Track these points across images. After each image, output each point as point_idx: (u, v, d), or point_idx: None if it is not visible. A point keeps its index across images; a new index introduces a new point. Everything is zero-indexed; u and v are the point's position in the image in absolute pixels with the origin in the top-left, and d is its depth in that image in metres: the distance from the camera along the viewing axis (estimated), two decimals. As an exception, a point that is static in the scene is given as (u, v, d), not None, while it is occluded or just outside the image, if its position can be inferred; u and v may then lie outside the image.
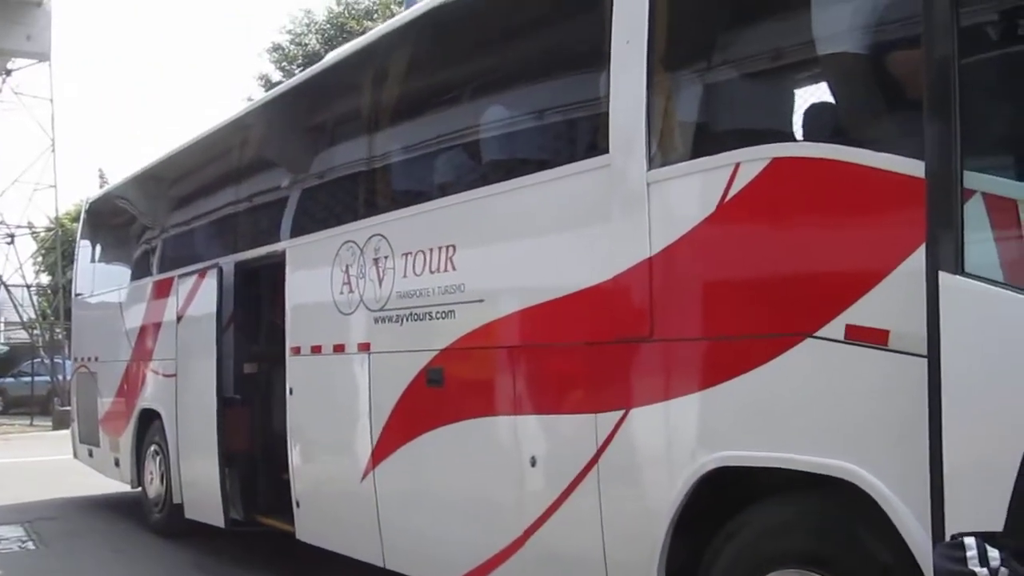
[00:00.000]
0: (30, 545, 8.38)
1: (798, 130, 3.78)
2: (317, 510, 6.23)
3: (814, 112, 3.68)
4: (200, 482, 7.68)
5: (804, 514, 3.35)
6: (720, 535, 3.53)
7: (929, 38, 2.79)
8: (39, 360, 26.96)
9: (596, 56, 4.08)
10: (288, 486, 6.44)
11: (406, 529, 5.29)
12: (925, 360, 2.76)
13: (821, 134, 3.51)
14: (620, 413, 3.87)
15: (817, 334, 3.17)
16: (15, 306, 27.54)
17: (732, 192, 3.47)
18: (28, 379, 26.84)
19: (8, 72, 22.15)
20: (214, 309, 7.35)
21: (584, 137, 4.44)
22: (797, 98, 4.01)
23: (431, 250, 4.97)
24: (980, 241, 2.75)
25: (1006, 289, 2.66)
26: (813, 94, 3.89)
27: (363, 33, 18.14)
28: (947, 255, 2.72)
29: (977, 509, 2.67)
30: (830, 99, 3.67)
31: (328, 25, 25.04)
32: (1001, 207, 2.78)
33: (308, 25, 25.58)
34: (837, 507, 3.20)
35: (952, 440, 2.69)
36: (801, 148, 3.42)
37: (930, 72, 2.79)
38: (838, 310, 3.11)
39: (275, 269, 6.73)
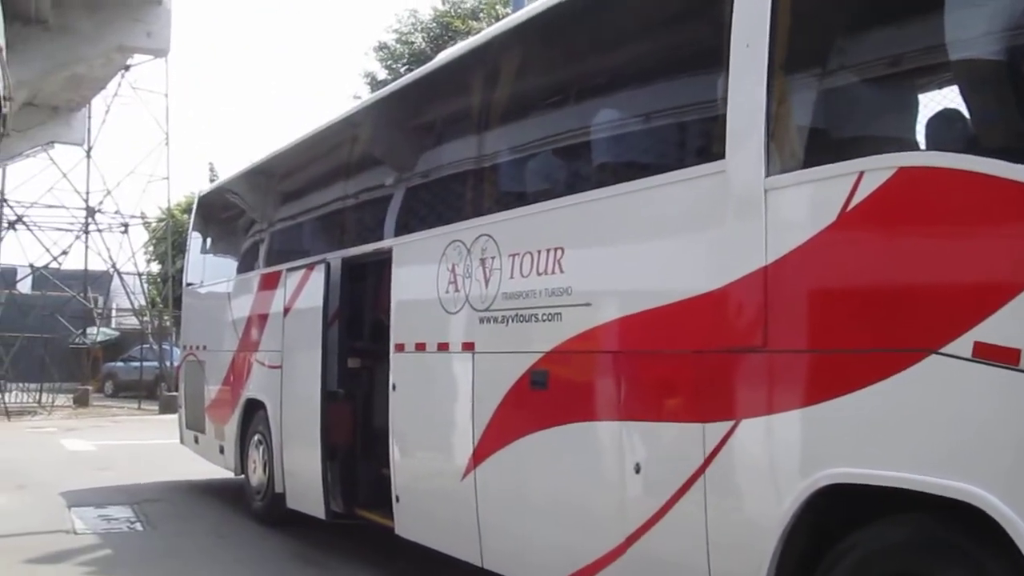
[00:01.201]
0: (138, 526, 8.66)
1: (924, 138, 3.66)
2: (417, 506, 6.28)
3: (942, 120, 3.55)
4: (302, 473, 7.83)
5: (921, 536, 3.23)
6: (832, 553, 3.44)
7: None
8: (148, 346, 27.87)
9: (714, 59, 4.01)
10: (388, 481, 6.50)
11: (505, 530, 5.29)
12: (1061, 382, 2.64)
13: (949, 143, 3.37)
14: (730, 424, 3.80)
15: (942, 351, 3.06)
16: (127, 293, 28.52)
17: (855, 201, 3.37)
18: (137, 364, 27.81)
19: (127, 68, 22.94)
20: (320, 303, 7.48)
21: (700, 141, 4.37)
22: (923, 105, 3.89)
23: (539, 252, 4.96)
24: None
25: None
26: (939, 100, 3.77)
27: (469, 32, 18.30)
28: (1087, 272, 2.59)
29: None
30: (957, 106, 3.54)
31: (434, 24, 25.29)
32: None
33: (414, 24, 25.88)
34: (956, 531, 3.08)
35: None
36: (929, 157, 3.30)
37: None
38: (966, 327, 2.99)
39: (381, 266, 6.80)
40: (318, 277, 7.60)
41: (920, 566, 3.19)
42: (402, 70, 22.59)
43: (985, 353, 2.95)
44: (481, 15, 23.92)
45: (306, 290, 7.89)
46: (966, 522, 2.97)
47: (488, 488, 5.37)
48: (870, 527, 3.33)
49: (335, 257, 7.54)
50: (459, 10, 25.06)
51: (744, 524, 3.78)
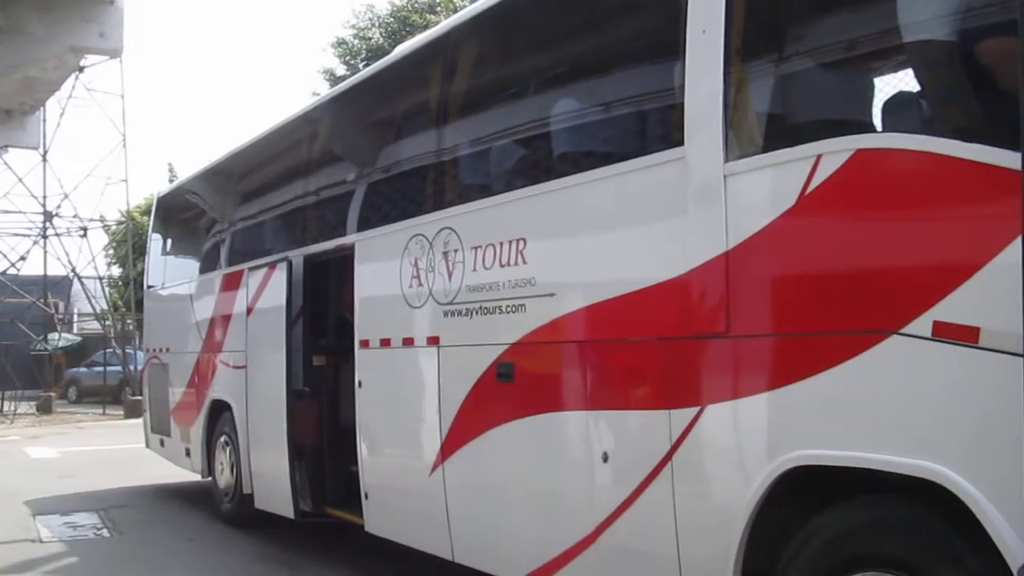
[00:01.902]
0: (105, 532, 8.56)
1: (881, 121, 3.68)
2: (386, 503, 6.25)
3: (898, 102, 3.57)
4: (270, 473, 7.77)
5: (886, 516, 3.25)
6: (799, 535, 3.45)
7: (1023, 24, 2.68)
8: (111, 351, 27.55)
9: (670, 46, 4.01)
10: (357, 479, 6.47)
11: (476, 523, 5.28)
12: (1020, 359, 2.67)
13: (906, 125, 3.39)
14: (695, 410, 3.81)
15: (903, 331, 3.08)
16: (88, 297, 28.15)
17: (813, 185, 3.38)
18: (100, 369, 27.47)
19: (81, 69, 22.62)
20: (284, 302, 7.43)
21: (658, 129, 4.37)
22: (879, 88, 3.91)
23: (501, 243, 4.94)
24: (1081, 235, 2.64)
25: (1108, 285, 2.55)
26: (896, 83, 3.79)
27: (427, 27, 18.19)
28: (1045, 249, 2.61)
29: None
30: (913, 88, 3.56)
31: (391, 19, 25.17)
32: (1101, 199, 2.66)
33: (371, 19, 25.76)
34: (920, 510, 3.10)
35: (1049, 442, 2.59)
36: (887, 139, 3.32)
37: (1025, 59, 2.68)
38: (925, 307, 3.02)
39: (344, 262, 6.76)
40: (280, 275, 7.54)
41: (886, 547, 3.20)
42: (360, 66, 22.46)
43: (945, 332, 2.97)
44: (439, 8, 23.84)
45: (269, 289, 7.82)
46: (931, 501, 2.99)
47: (457, 482, 5.35)
48: (834, 509, 3.35)
49: (297, 255, 7.48)
50: (416, 4, 24.96)
51: (711, 509, 3.79)
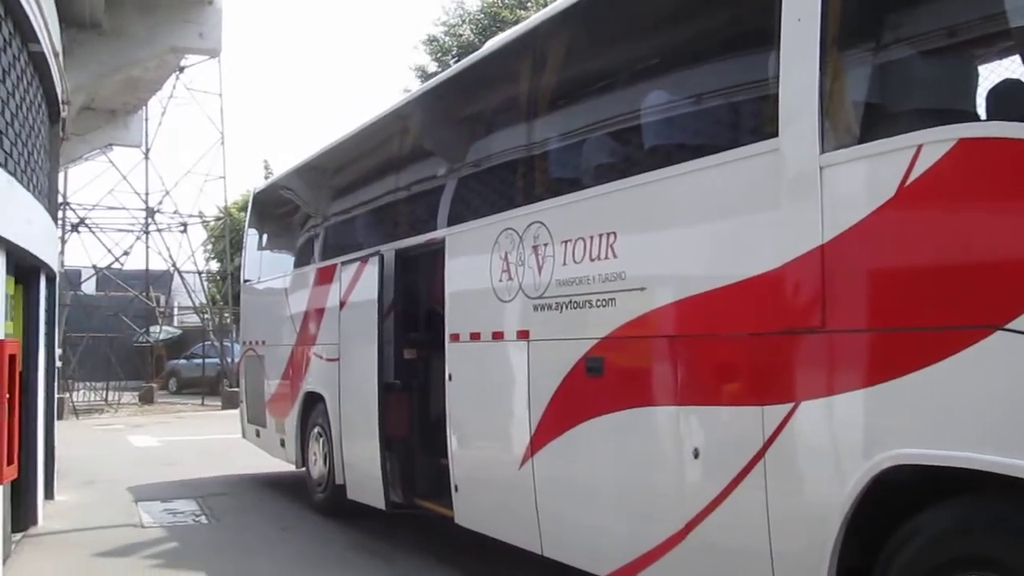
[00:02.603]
0: (203, 519, 8.80)
1: (984, 109, 3.56)
2: (475, 495, 6.29)
3: (1004, 89, 3.45)
4: (361, 464, 7.89)
5: (988, 517, 3.15)
6: (898, 535, 3.37)
7: None
8: (209, 343, 28.29)
9: (765, 36, 3.94)
10: (447, 471, 6.52)
11: (565, 518, 5.27)
12: None
13: (1012, 113, 3.27)
14: (789, 406, 3.74)
15: (1008, 327, 2.97)
16: (187, 292, 28.94)
17: (913, 176, 3.29)
18: (199, 361, 28.27)
19: (181, 69, 23.24)
20: (375, 295, 7.52)
21: (752, 120, 4.30)
22: (983, 75, 3.78)
23: (591, 237, 4.92)
24: None
25: None
26: (1001, 71, 3.66)
27: (516, 22, 18.21)
28: None
29: None
30: (1020, 75, 3.43)
31: (482, 15, 25.26)
32: None
33: (462, 16, 25.89)
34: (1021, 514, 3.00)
35: None
36: (992, 128, 3.20)
37: None
38: (1031, 301, 2.91)
39: (435, 256, 6.81)
40: (372, 269, 7.64)
41: (987, 548, 3.11)
42: (451, 62, 22.59)
43: (1052, 328, 2.86)
44: (529, 4, 23.83)
45: (361, 283, 7.93)
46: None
47: (546, 476, 5.35)
48: (934, 509, 3.26)
49: (389, 249, 7.57)
50: (507, 0, 24.99)
51: (806, 506, 3.72)
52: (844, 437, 3.60)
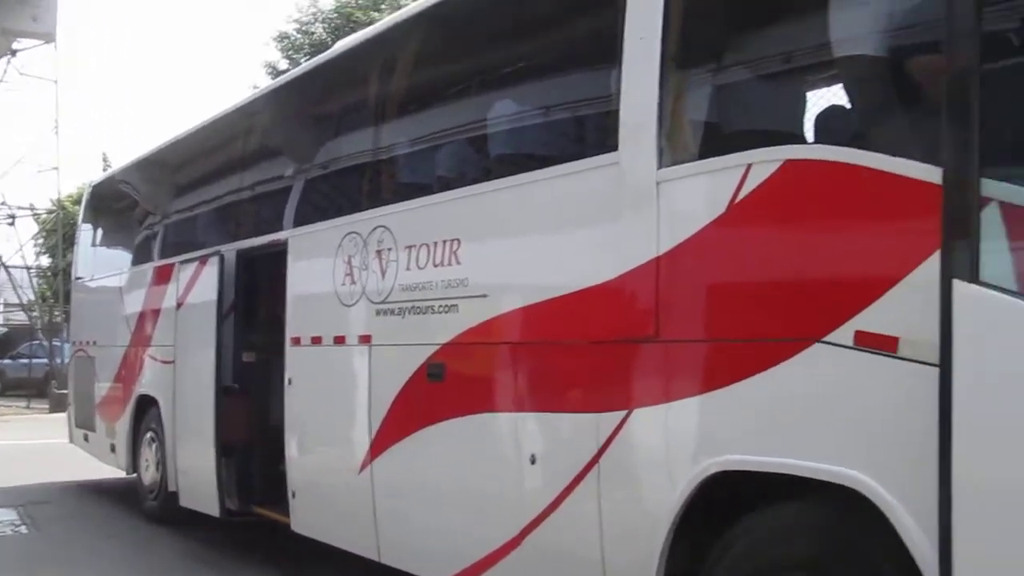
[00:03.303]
0: (23, 529, 8.36)
1: (811, 132, 3.75)
2: (313, 502, 6.20)
3: (828, 115, 3.64)
4: (196, 470, 7.65)
5: (808, 521, 3.30)
6: (722, 540, 3.49)
7: (951, 43, 2.74)
8: (37, 343, 26.94)
9: (608, 51, 4.03)
10: (284, 477, 6.41)
11: (403, 524, 5.25)
12: (935, 368, 2.73)
13: (835, 137, 3.46)
14: (623, 413, 3.83)
15: (826, 339, 3.12)
16: (14, 288, 27.49)
17: (743, 193, 3.42)
18: (26, 361, 26.83)
19: (13, 53, 22.09)
20: (215, 297, 7.32)
21: (594, 133, 4.40)
22: (811, 100, 3.98)
23: (435, 243, 4.93)
24: (995, 250, 2.71)
25: (1021, 299, 2.62)
26: (827, 96, 3.86)
27: (371, 23, 18.07)
28: (962, 263, 2.68)
29: (985, 522, 2.64)
30: (844, 102, 3.63)
31: (335, 15, 24.97)
32: (1018, 216, 2.73)
33: (315, 14, 25.52)
34: (841, 516, 3.15)
35: (962, 451, 2.65)
36: (815, 151, 3.37)
37: (950, 77, 2.75)
38: (848, 315, 3.06)
39: (277, 258, 6.68)
40: (212, 270, 7.43)
41: (806, 551, 3.25)
42: (302, 61, 22.23)
43: (866, 341, 3.02)
44: (383, 6, 23.70)
45: (199, 283, 7.70)
46: (852, 507, 3.03)
47: (385, 482, 5.32)
48: (755, 514, 3.39)
49: (230, 249, 7.38)
50: (361, 1, 24.78)
51: (637, 513, 3.81)
52: (674, 444, 3.70)
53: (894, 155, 3.00)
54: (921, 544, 2.80)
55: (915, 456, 2.80)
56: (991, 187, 2.70)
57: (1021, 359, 2.61)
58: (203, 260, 7.67)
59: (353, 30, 18.78)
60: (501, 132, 4.96)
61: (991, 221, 2.71)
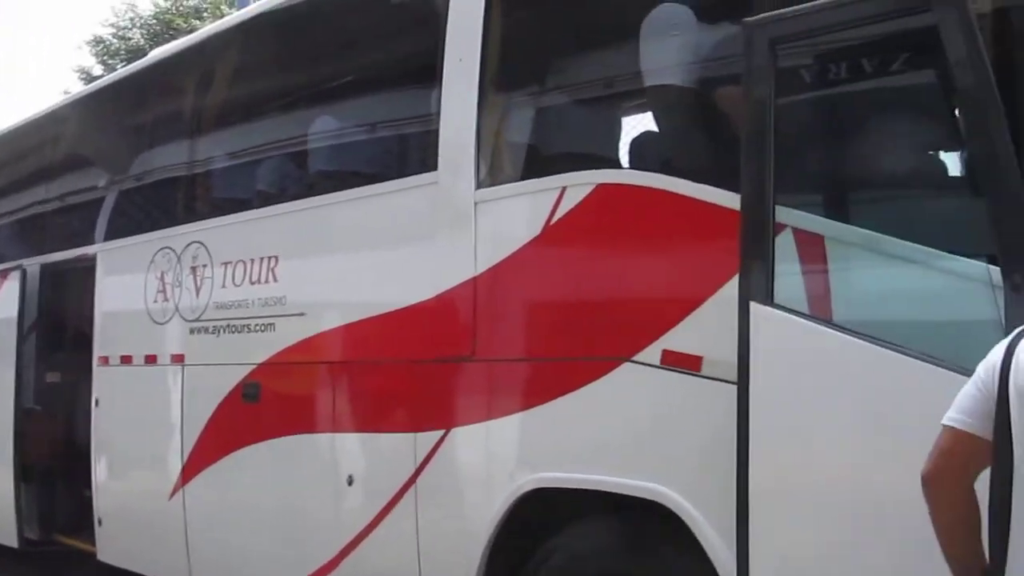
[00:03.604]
0: None
1: (624, 157, 3.87)
2: (121, 529, 5.93)
3: (640, 141, 3.78)
4: (-8, 498, 7.18)
5: (619, 535, 3.39)
6: (536, 556, 3.54)
7: (748, 77, 2.89)
8: None
9: (429, 72, 4.06)
10: (91, 503, 6.11)
11: (216, 549, 5.09)
12: (734, 386, 2.85)
13: (645, 163, 3.59)
14: (440, 433, 3.84)
15: (635, 358, 3.23)
16: None
17: (558, 215, 3.50)
18: None
19: None
20: (15, 313, 6.90)
21: (413, 153, 4.41)
22: (625, 126, 4.12)
23: (252, 260, 4.82)
24: (789, 273, 2.87)
25: (811, 321, 2.78)
26: (641, 123, 4.00)
27: (191, 31, 17.56)
28: (758, 286, 2.82)
29: (779, 533, 2.78)
30: (656, 128, 3.77)
31: (154, 21, 24.11)
32: (810, 242, 2.90)
33: (132, 19, 24.55)
34: (651, 528, 3.25)
35: (758, 465, 2.78)
36: (625, 175, 3.48)
37: (748, 109, 2.89)
38: (656, 335, 3.18)
39: (85, 273, 6.38)
40: (13, 285, 7.01)
41: (617, 564, 3.34)
42: (119, 66, 21.35)
43: (672, 360, 3.14)
44: (205, 14, 23.06)
45: (-1, 299, 7.26)
46: (663, 520, 3.13)
47: (197, 506, 5.15)
48: (567, 530, 3.46)
49: (33, 263, 6.99)
50: (182, 7, 24.04)
51: (454, 534, 3.82)
52: (491, 462, 3.74)
53: (698, 181, 3.14)
54: (722, 554, 2.92)
55: (717, 471, 2.92)
56: (785, 214, 2.86)
57: (811, 377, 2.78)
58: (3, 274, 7.23)
59: (173, 37, 18.20)
60: (321, 148, 4.91)
61: (785, 246, 2.87)
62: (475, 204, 3.77)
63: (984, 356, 2.02)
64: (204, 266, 5.16)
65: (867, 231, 2.82)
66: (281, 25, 5.26)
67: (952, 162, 3.03)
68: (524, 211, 3.67)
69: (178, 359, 5.34)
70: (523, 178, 3.76)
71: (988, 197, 2.49)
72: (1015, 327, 2.29)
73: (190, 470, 5.16)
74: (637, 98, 3.98)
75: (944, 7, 2.50)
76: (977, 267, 2.56)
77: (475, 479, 3.80)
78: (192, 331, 5.22)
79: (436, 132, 3.97)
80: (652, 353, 3.18)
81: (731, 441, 2.83)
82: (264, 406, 4.74)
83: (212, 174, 5.62)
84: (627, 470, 3.24)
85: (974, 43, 2.46)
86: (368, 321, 4.23)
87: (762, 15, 2.91)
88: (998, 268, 2.46)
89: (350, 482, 4.26)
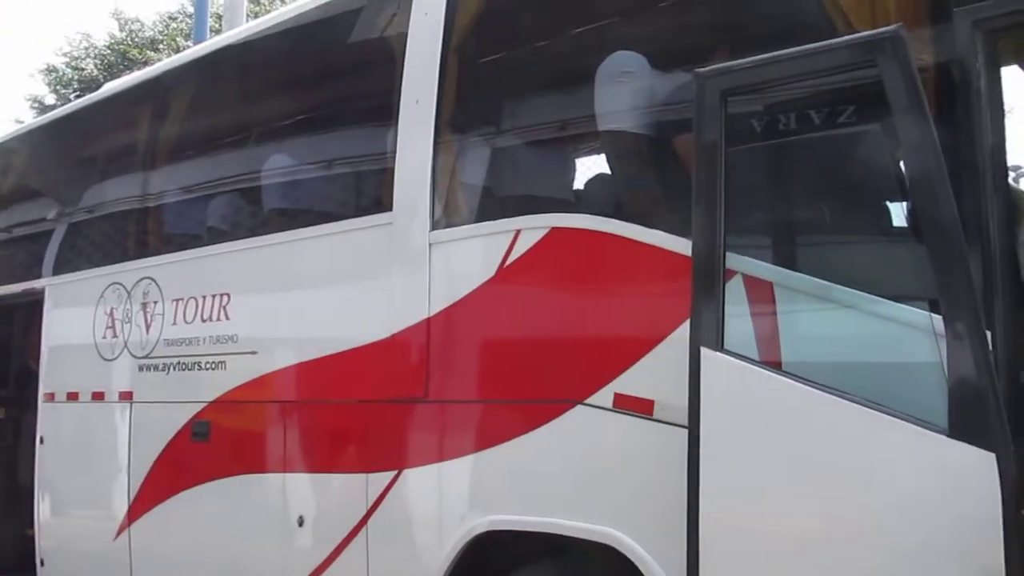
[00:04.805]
0: None
1: (579, 201, 3.91)
2: (65, 569, 5.80)
3: (594, 185, 3.82)
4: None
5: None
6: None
7: (699, 126, 2.95)
8: None
9: (385, 113, 4.08)
10: (33, 543, 5.97)
11: (162, 591, 5.00)
12: (686, 431, 2.88)
13: (599, 207, 3.62)
14: (392, 474, 3.82)
15: (587, 401, 3.25)
16: None
17: (512, 258, 3.52)
18: None
19: None
20: (-41, 347, 6.78)
21: (369, 193, 4.42)
22: (579, 170, 4.17)
23: (204, 297, 4.79)
24: (739, 319, 2.91)
25: (760, 367, 2.82)
26: (595, 167, 4.05)
27: (146, 63, 17.49)
28: (709, 331, 2.86)
29: (729, 571, 2.80)
30: (610, 173, 3.82)
31: (109, 51, 23.92)
32: (759, 288, 2.95)
33: (87, 49, 24.34)
34: (603, 571, 3.25)
35: (708, 508, 2.81)
36: (579, 220, 3.50)
37: (699, 157, 2.94)
38: (608, 379, 3.20)
39: (32, 308, 6.28)
40: (-42, 318, 6.88)
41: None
42: (72, 97, 21.15)
43: (624, 404, 3.17)
44: (161, 46, 22.94)
45: (-59, 332, 7.11)
46: (616, 563, 3.13)
47: (144, 546, 5.05)
48: (519, 573, 3.46)
49: (-23, 297, 6.86)
50: (137, 39, 23.89)
51: (405, 574, 3.80)
52: (442, 504, 3.73)
53: (650, 227, 3.18)
54: (673, 597, 2.93)
55: (668, 514, 2.94)
56: (736, 260, 2.91)
57: (761, 422, 2.81)
58: (-52, 307, 7.09)
59: (128, 69, 18.10)
60: (276, 186, 4.89)
61: (735, 292, 2.92)
62: (429, 245, 3.78)
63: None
64: (155, 302, 5.11)
65: (815, 279, 2.88)
66: (238, 61, 5.26)
67: (897, 212, 3.10)
68: (478, 253, 3.69)
69: (126, 396, 5.27)
70: (478, 220, 3.78)
71: (929, 247, 2.56)
72: (956, 374, 2.38)
73: (137, 510, 5.07)
74: (592, 142, 4.04)
75: (888, 61, 2.59)
76: (920, 315, 2.62)
77: (427, 521, 3.78)
78: (141, 368, 5.15)
79: (392, 173, 3.98)
80: (604, 396, 3.20)
81: (682, 484, 2.85)
82: (214, 445, 4.68)
83: (165, 209, 5.57)
84: (579, 513, 3.24)
85: (916, 96, 2.55)
86: (321, 360, 4.20)
87: (713, 66, 2.98)
88: (940, 316, 2.52)
89: (300, 523, 4.21)
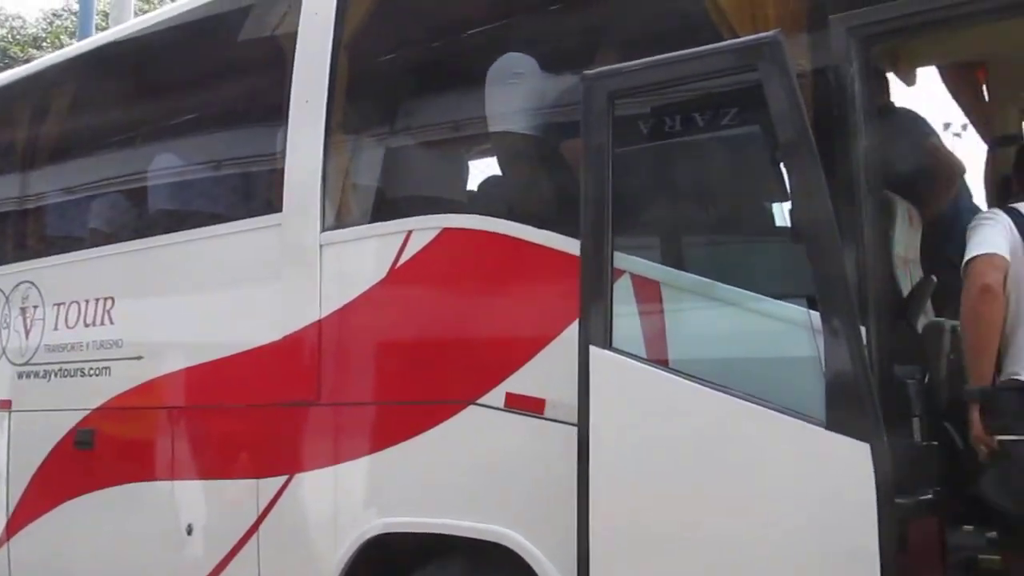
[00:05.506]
0: None
1: (471, 202, 3.92)
2: (-62, 588, 5.55)
3: (486, 186, 3.85)
4: None
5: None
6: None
7: (587, 128, 2.99)
8: None
9: (275, 112, 4.02)
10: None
11: (44, 607, 4.83)
12: (574, 428, 2.91)
13: (490, 208, 3.63)
14: (284, 478, 3.77)
15: (479, 401, 3.26)
16: None
17: (403, 259, 3.51)
18: None
19: None
20: None
21: (258, 193, 4.35)
22: (472, 170, 4.18)
23: (87, 301, 4.64)
24: (627, 318, 2.95)
25: (648, 364, 2.87)
26: (488, 168, 4.07)
27: (28, 61, 16.87)
28: (597, 330, 2.89)
29: (619, 573, 2.84)
30: (501, 174, 3.84)
31: (-11, 48, 23.05)
32: (646, 287, 3.00)
33: (-35, 45, 23.42)
34: (498, 570, 3.26)
35: (598, 506, 2.84)
36: (469, 220, 3.50)
37: (587, 158, 2.98)
38: (500, 378, 3.22)
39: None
40: None
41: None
42: (-52, 95, 20.26)
43: (516, 403, 3.19)
44: (44, 44, 22.19)
45: None
46: (512, 561, 3.14)
47: (24, 561, 4.87)
48: (414, 575, 3.44)
49: None
50: (19, 36, 23.06)
51: (298, 577, 3.76)
52: (335, 507, 3.68)
53: (540, 227, 3.21)
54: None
55: (560, 512, 2.97)
56: (623, 260, 2.96)
57: (649, 419, 2.87)
58: None
59: (9, 66, 17.42)
60: (162, 186, 4.78)
61: (623, 291, 2.97)
62: (320, 247, 3.74)
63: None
64: (35, 307, 4.94)
65: (700, 277, 2.95)
66: (123, 58, 5.12)
67: (778, 212, 3.20)
68: (369, 254, 3.66)
69: (4, 404, 5.08)
70: (369, 221, 3.76)
71: (807, 246, 2.64)
72: (833, 369, 2.48)
73: (16, 523, 4.89)
74: (483, 143, 4.06)
75: (767, 66, 2.67)
76: (798, 312, 2.70)
77: (319, 525, 3.73)
78: (20, 375, 4.97)
79: (282, 173, 3.93)
80: (496, 396, 3.22)
81: (573, 482, 2.88)
82: (99, 453, 4.54)
83: (46, 211, 5.40)
84: (472, 513, 3.25)
85: (794, 99, 2.64)
86: (209, 364, 4.12)
87: (600, 69, 3.03)
88: (818, 313, 2.61)
89: (189, 531, 4.12)
